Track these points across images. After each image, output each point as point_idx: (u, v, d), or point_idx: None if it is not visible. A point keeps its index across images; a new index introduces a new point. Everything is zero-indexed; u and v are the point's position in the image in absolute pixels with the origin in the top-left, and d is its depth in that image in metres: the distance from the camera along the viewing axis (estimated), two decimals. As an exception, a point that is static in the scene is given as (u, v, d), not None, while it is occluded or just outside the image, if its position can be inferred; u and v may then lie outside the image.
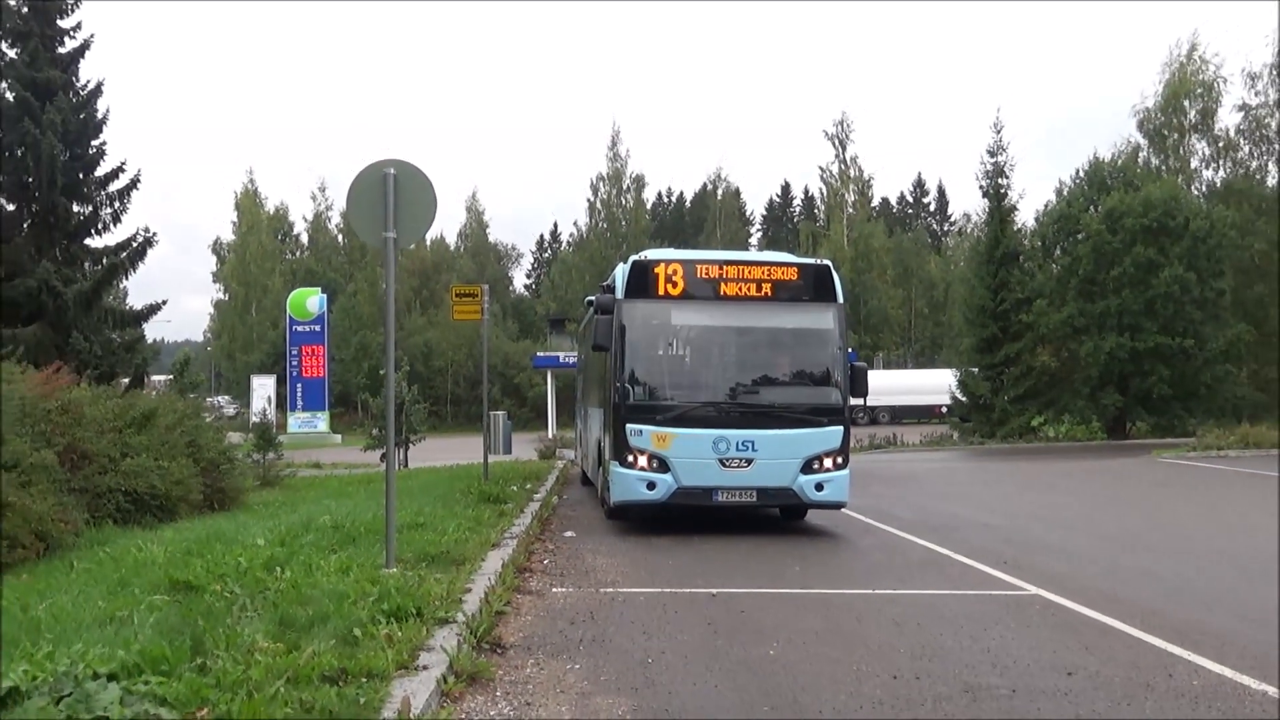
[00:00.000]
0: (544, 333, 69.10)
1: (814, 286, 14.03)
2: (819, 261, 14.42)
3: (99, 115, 28.78)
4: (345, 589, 8.14)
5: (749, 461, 13.20)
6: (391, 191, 9.74)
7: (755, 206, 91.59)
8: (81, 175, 28.11)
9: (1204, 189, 48.33)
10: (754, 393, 13.81)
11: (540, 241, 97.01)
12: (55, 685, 5.51)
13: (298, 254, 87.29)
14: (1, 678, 5.46)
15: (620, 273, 14.33)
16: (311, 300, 54.13)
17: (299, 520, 12.93)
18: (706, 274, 13.86)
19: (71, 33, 28.64)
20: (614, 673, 7.02)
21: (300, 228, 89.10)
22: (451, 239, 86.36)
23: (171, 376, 31.70)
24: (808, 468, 13.36)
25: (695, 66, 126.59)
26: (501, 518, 14.15)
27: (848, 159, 77.83)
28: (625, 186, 78.00)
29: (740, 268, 13.95)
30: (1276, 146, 47.13)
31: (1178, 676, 6.98)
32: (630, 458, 13.43)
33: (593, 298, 17.99)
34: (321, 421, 52.11)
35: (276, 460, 25.32)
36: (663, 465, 13.28)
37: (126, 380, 25.56)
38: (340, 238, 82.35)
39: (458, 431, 55.93)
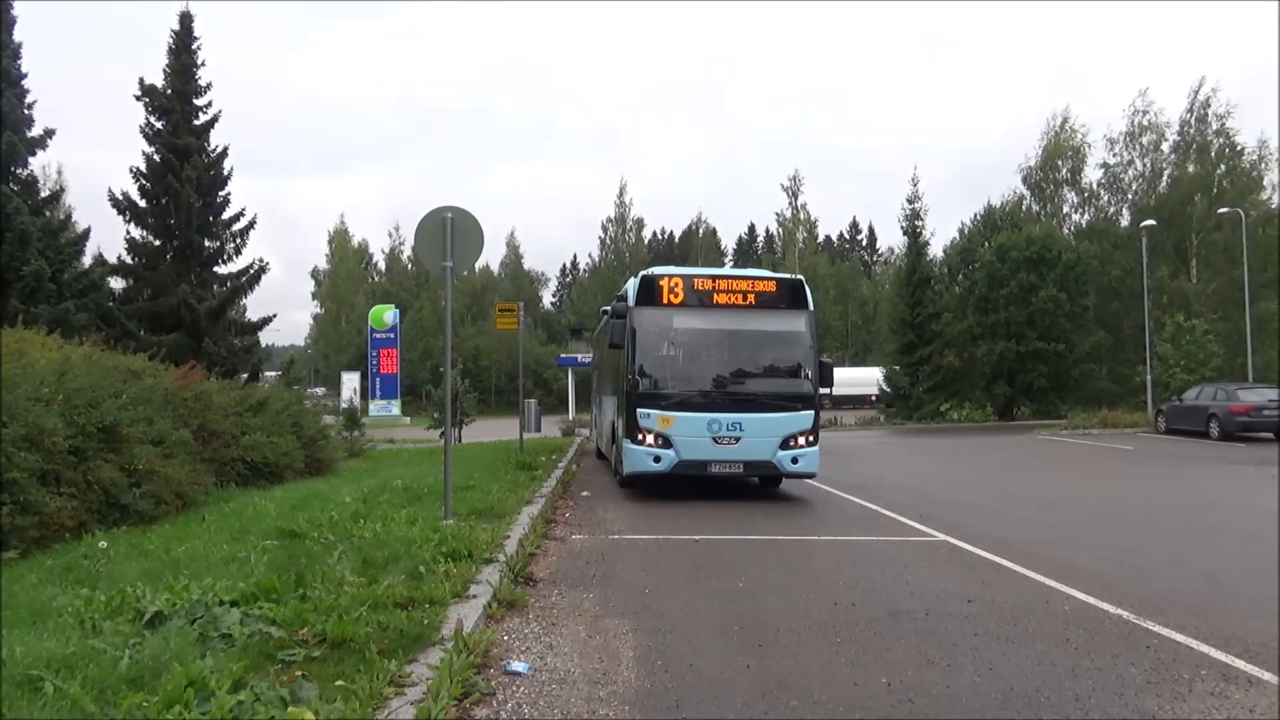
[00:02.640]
0: (566, 339, 68.88)
1: (789, 297, 13.63)
2: (794, 277, 14.10)
3: (225, 172, 28.94)
4: (413, 536, 8.13)
5: (737, 439, 12.78)
6: (449, 230, 9.83)
7: (728, 242, 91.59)
8: (211, 218, 28.28)
9: (1073, 229, 48.35)
10: (741, 383, 13.20)
11: (564, 269, 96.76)
12: (190, 610, 5.53)
13: (376, 278, 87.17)
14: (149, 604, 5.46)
15: (632, 285, 13.87)
16: (387, 314, 54.06)
17: (378, 483, 12.93)
18: (702, 286, 13.48)
19: (204, 109, 28.80)
20: (619, 600, 7.02)
21: (379, 258, 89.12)
22: (495, 267, 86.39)
23: (280, 373, 31.65)
24: (785, 444, 12.93)
25: (685, 136, 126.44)
26: (533, 481, 14.16)
27: (799, 206, 77.59)
28: (628, 227, 78.16)
29: (729, 281, 13.64)
30: (1128, 196, 47.14)
31: (1053, 603, 6.97)
32: (640, 436, 12.93)
33: (608, 307, 17.46)
34: (395, 407, 51.98)
35: (360, 437, 25.34)
36: (666, 442, 12.81)
37: (245, 376, 25.62)
38: (409, 265, 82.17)
39: (500, 415, 55.89)
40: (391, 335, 53.41)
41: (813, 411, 13.26)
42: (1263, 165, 45.30)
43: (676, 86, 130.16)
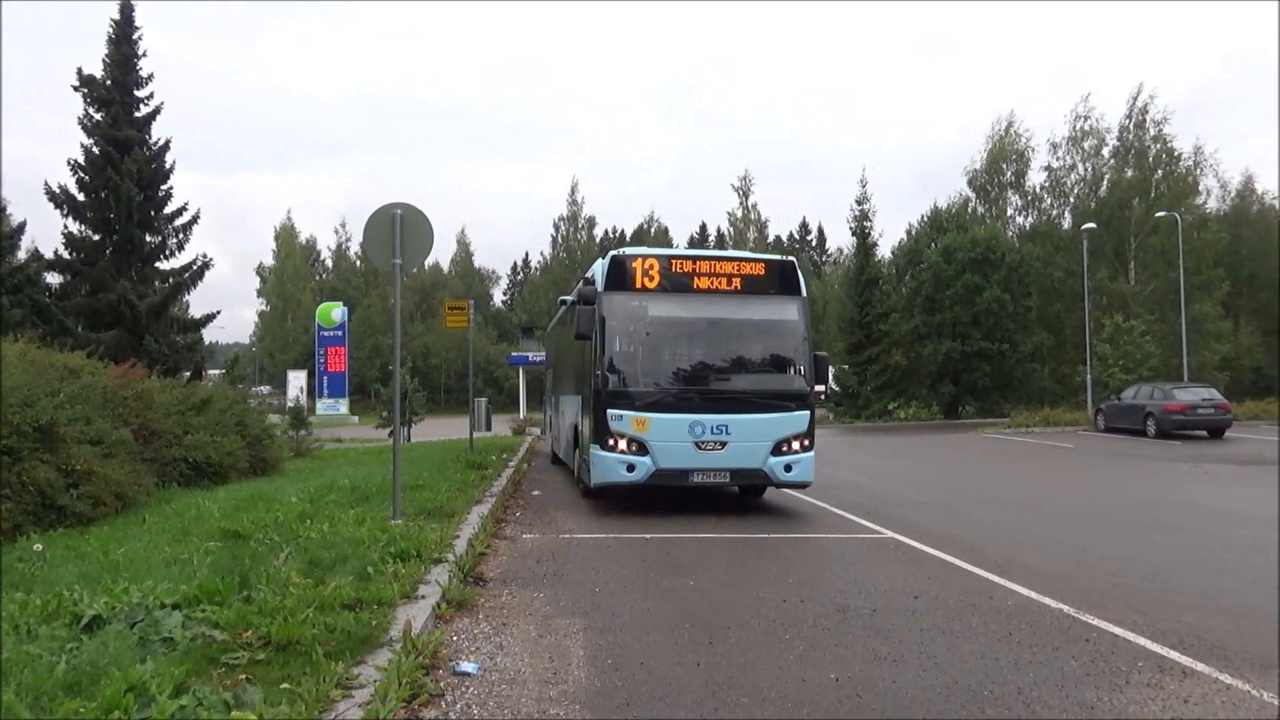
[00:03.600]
0: (517, 338, 68.62)
1: (779, 281, 11.99)
2: (784, 258, 12.35)
3: (168, 166, 28.41)
4: (361, 536, 8.05)
5: (723, 444, 11.19)
6: (398, 227, 9.74)
7: (680, 241, 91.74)
8: (152, 213, 27.72)
9: (1016, 231, 49.30)
10: (727, 379, 11.64)
11: (514, 267, 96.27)
12: (130, 613, 5.40)
13: (324, 275, 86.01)
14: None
15: (600, 267, 12.04)
16: (335, 311, 53.44)
17: (324, 483, 12.76)
18: (680, 269, 11.71)
19: (145, 101, 28.21)
20: (570, 599, 7.00)
21: (326, 255, 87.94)
22: (445, 264, 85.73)
23: (224, 371, 31.09)
24: (777, 450, 11.41)
25: (638, 135, 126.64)
26: (483, 480, 14.07)
27: (749, 206, 78.12)
28: (580, 225, 78.05)
29: (711, 263, 11.84)
30: (1070, 199, 48.19)
31: (996, 598, 7.10)
32: (610, 441, 11.23)
33: (567, 297, 16.16)
34: (342, 406, 51.38)
35: (306, 436, 25.00)
36: (641, 448, 11.15)
37: (188, 374, 25.14)
38: (358, 263, 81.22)
39: (450, 414, 55.49)
40: (339, 333, 52.77)
41: (808, 412, 11.76)
42: (1198, 170, 46.69)
43: (632, 86, 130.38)
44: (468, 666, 5.19)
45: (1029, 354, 42.91)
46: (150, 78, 28.30)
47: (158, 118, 28.36)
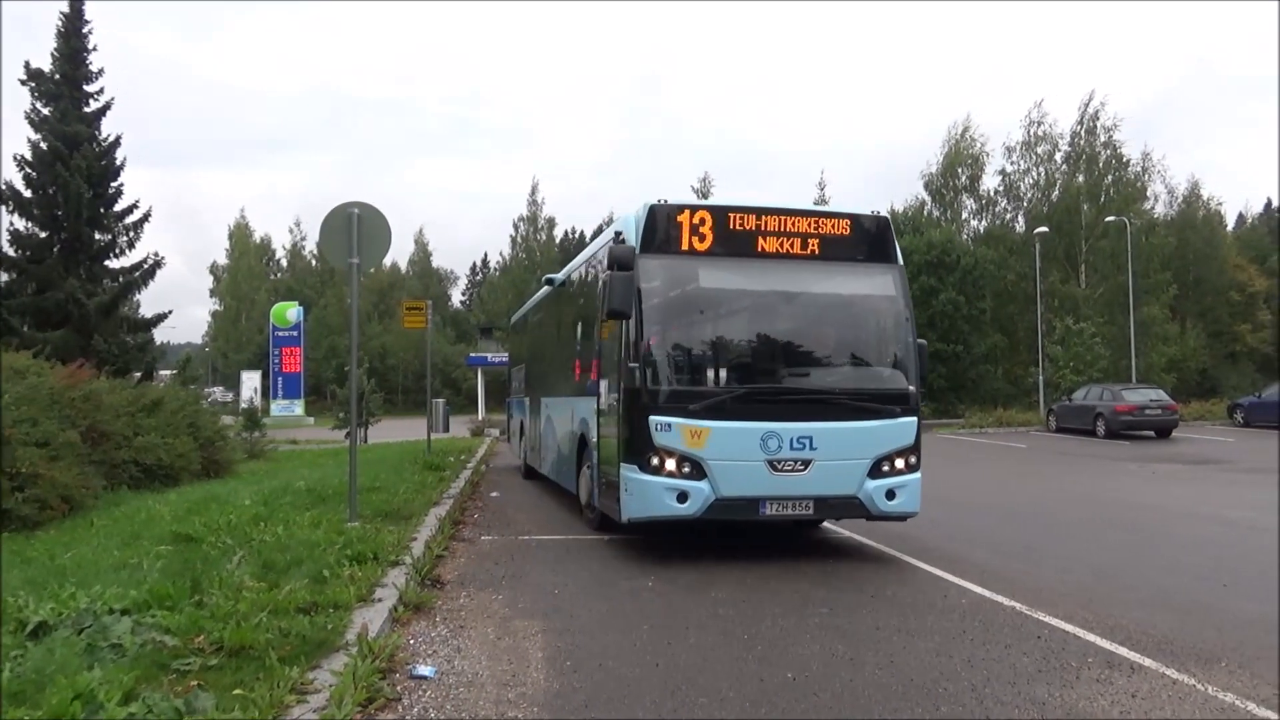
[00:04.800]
0: (475, 338, 68.25)
1: (871, 243, 9.12)
2: (876, 214, 9.27)
3: (118, 162, 27.85)
4: (316, 539, 7.96)
5: (806, 464, 8.25)
6: (356, 226, 9.68)
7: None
8: (102, 210, 27.13)
9: (971, 235, 50.03)
10: (808, 375, 8.92)
11: (473, 267, 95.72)
12: (77, 620, 5.29)
13: (279, 274, 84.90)
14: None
15: (633, 222, 8.87)
16: (290, 311, 52.78)
17: (279, 485, 12.58)
18: (742, 225, 8.70)
19: (95, 95, 27.66)
20: (529, 601, 6.98)
21: (281, 253, 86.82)
22: (403, 264, 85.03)
23: (176, 371, 30.59)
24: (877, 470, 8.48)
25: (599, 136, 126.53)
26: (441, 482, 13.98)
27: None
28: (540, 226, 77.77)
29: (781, 219, 8.80)
30: (1024, 203, 49.03)
31: (951, 596, 7.20)
32: (653, 460, 8.18)
33: (555, 275, 13.84)
34: (298, 407, 50.75)
35: (261, 438, 24.61)
36: (696, 469, 8.17)
37: (139, 374, 24.67)
38: (314, 262, 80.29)
39: (408, 415, 54.95)
40: (295, 333, 52.15)
41: (915, 418, 8.80)
42: (1146, 176, 47.73)
43: (593, 86, 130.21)
44: (425, 670, 5.15)
45: (983, 355, 43.61)
46: (100, 72, 27.73)
47: (108, 113, 27.75)
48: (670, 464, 8.22)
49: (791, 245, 8.82)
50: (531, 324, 16.66)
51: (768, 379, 8.76)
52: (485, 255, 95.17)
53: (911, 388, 8.86)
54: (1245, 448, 23.70)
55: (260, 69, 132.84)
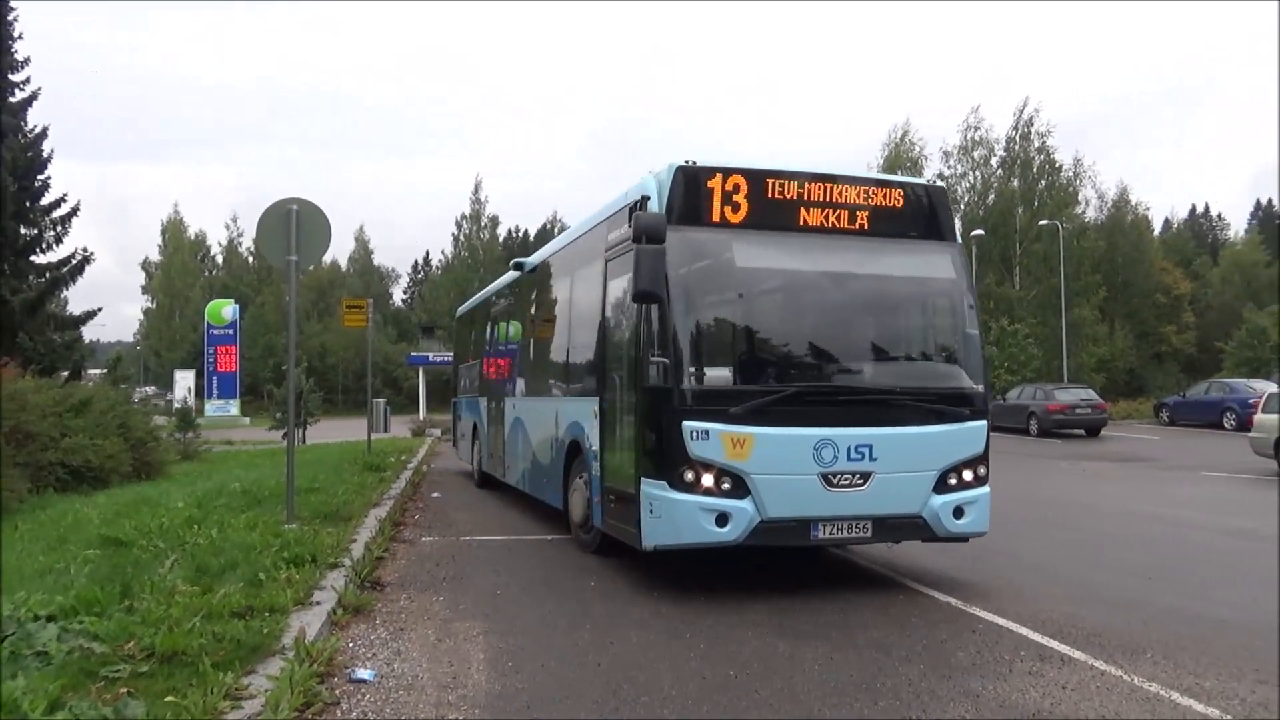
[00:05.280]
0: (417, 337, 67.57)
1: (928, 218, 7.78)
2: (931, 183, 8.08)
3: (45, 154, 27.07)
4: (252, 542, 7.80)
5: (865, 477, 6.96)
6: (294, 223, 9.52)
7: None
8: (28, 204, 26.32)
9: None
10: (867, 372, 7.59)
11: (415, 265, 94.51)
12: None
13: (214, 271, 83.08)
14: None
15: (654, 186, 7.36)
16: (226, 309, 51.78)
17: (214, 487, 12.31)
18: (782, 193, 7.30)
19: (21, 85, 26.80)
20: (470, 602, 6.93)
21: (216, 250, 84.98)
22: (343, 262, 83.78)
23: (106, 370, 29.76)
24: (943, 484, 7.21)
25: (540, 135, 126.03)
26: (381, 483, 13.82)
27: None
28: (483, 224, 77.31)
29: (828, 187, 7.42)
30: (961, 207, 50.02)
31: (889, 593, 7.31)
32: (689, 475, 6.72)
33: (523, 259, 12.40)
34: (233, 407, 49.75)
35: (195, 439, 24.07)
36: (738, 486, 6.75)
37: (66, 373, 23.99)
38: (251, 259, 78.71)
39: (347, 415, 54.21)
40: (230, 331, 51.16)
41: (984, 422, 7.59)
42: (1078, 181, 49.03)
43: (537, 84, 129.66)
44: (364, 673, 5.09)
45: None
46: (27, 61, 26.90)
47: (35, 103, 26.97)
48: (707, 479, 6.71)
49: (839, 218, 7.43)
50: (494, 315, 14.51)
51: (819, 376, 7.29)
52: (427, 253, 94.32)
53: (979, 386, 7.63)
54: (1171, 446, 24.49)
55: (196, 61, 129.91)
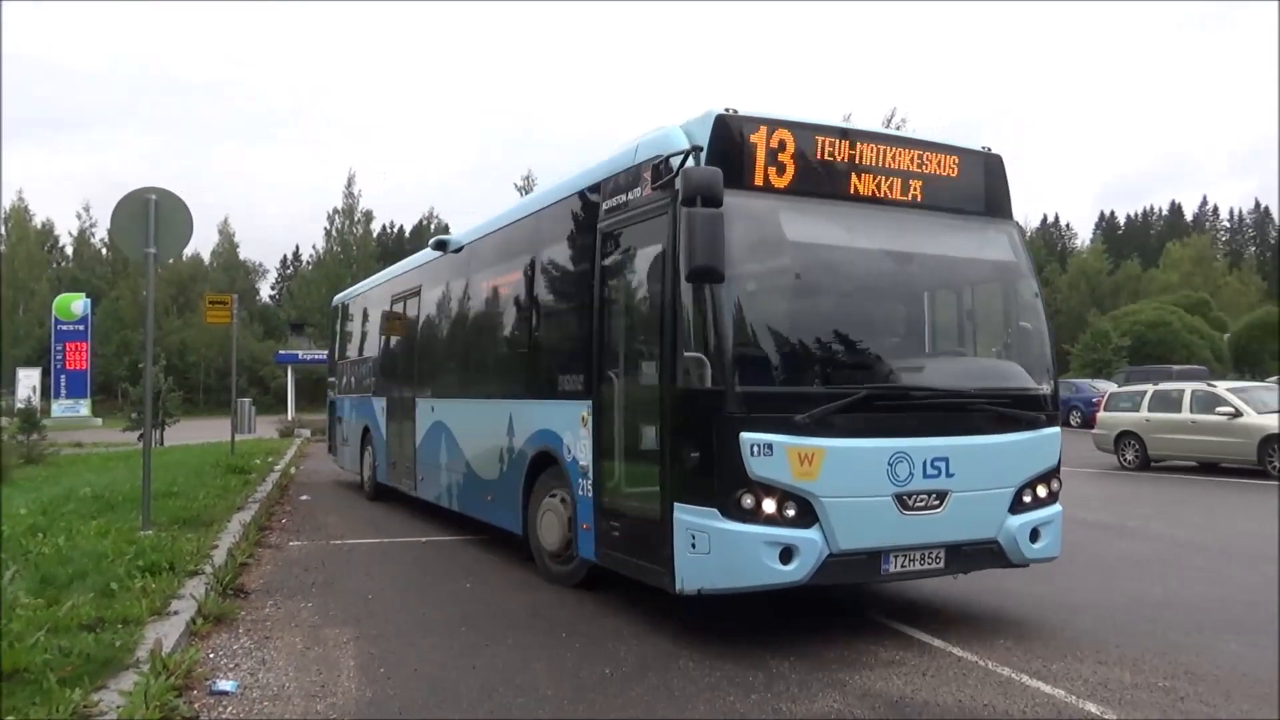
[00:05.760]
0: (286, 335, 65.36)
1: (988, 191, 6.72)
2: (987, 150, 6.82)
3: None
4: (104, 549, 7.38)
5: (941, 497, 5.85)
6: (153, 214, 9.07)
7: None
8: None
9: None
10: (938, 370, 6.51)
11: (284, 260, 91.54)
12: None
13: (63, 263, 78.32)
14: None
15: (684, 138, 5.96)
16: (76, 304, 48.81)
17: (60, 492, 11.61)
18: (832, 154, 6.10)
19: None
20: (341, 607, 6.75)
21: (66, 241, 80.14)
22: (206, 255, 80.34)
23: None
24: (1018, 502, 6.17)
25: (416, 129, 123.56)
26: (246, 486, 13.31)
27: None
28: (356, 219, 75.45)
29: (881, 149, 6.25)
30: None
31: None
32: (748, 500, 5.41)
33: (446, 237, 10.84)
34: (83, 407, 46.97)
35: (40, 440, 22.57)
36: (805, 512, 5.50)
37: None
38: (104, 251, 74.55)
39: (210, 415, 51.96)
40: (81, 327, 48.28)
41: (1058, 429, 6.57)
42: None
43: (415, 77, 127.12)
44: (226, 685, 4.89)
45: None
46: None
47: None
48: (769, 505, 5.41)
49: (890, 187, 6.28)
50: (398, 303, 12.43)
51: (889, 376, 6.09)
52: (297, 248, 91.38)
53: (1050, 387, 6.62)
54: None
55: (40, 38, 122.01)
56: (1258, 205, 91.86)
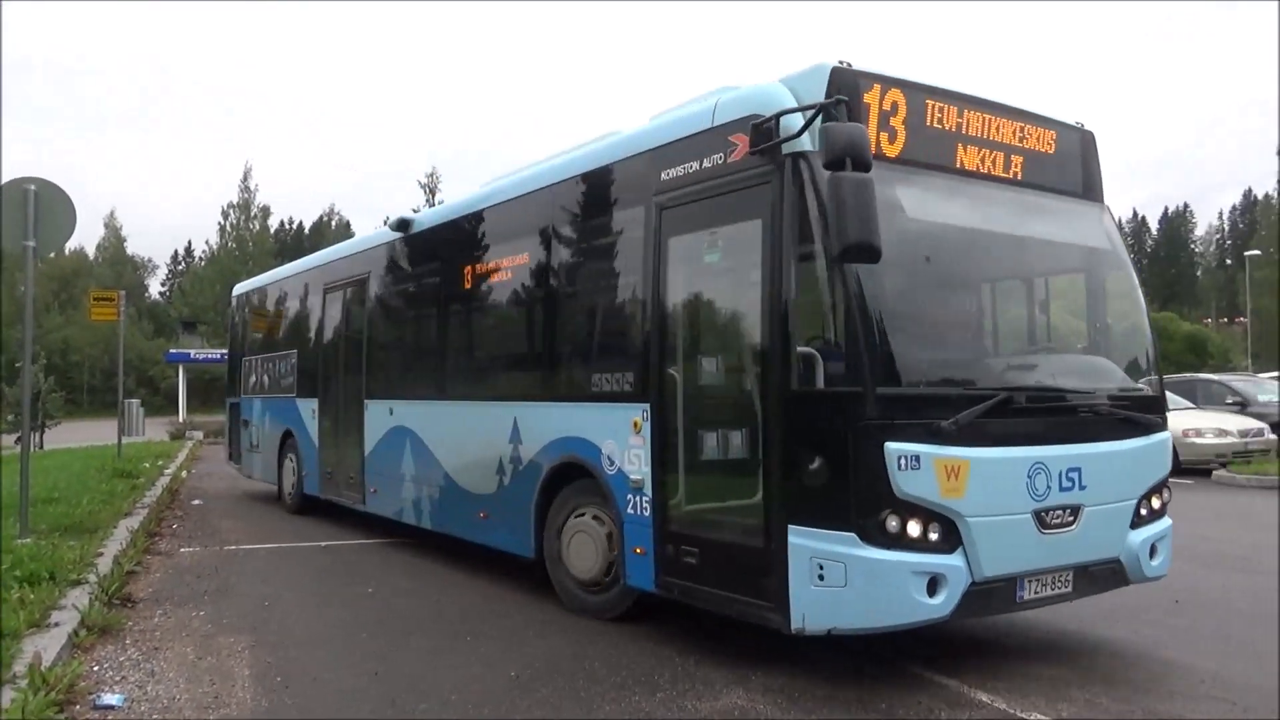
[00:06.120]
0: (177, 333, 63.04)
1: (1082, 170, 6.15)
2: (1080, 126, 6.22)
3: None
4: (-24, 560, 6.98)
5: (1075, 512, 5.20)
6: (32, 205, 8.67)
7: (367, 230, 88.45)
8: None
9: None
10: (1062, 370, 5.89)
11: (175, 255, 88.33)
12: None
13: (-69, 257, 74.11)
14: None
15: (786, 94, 5.14)
16: (-56, 300, 46.23)
17: (-71, 499, 10.94)
18: (941, 122, 5.41)
19: None
20: (236, 615, 6.54)
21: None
22: (91, 250, 77.04)
23: None
24: (1136, 515, 5.59)
25: (319, 122, 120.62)
26: (134, 490, 12.80)
27: (436, 202, 77.26)
28: (253, 214, 73.33)
29: (987, 119, 5.60)
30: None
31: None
32: (893, 523, 4.63)
33: (409, 216, 9.41)
34: (-47, 409, 44.47)
35: (-97, 445, 21.29)
36: (948, 534, 4.75)
37: None
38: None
39: (94, 417, 49.73)
40: (-48, 324, 45.62)
41: (1169, 433, 5.98)
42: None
43: (311, 69, 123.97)
44: (111, 699, 4.68)
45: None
46: None
47: None
48: (914, 528, 4.68)
49: (994, 162, 5.62)
50: (334, 292, 11.01)
51: (1022, 376, 5.57)
52: (189, 243, 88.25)
53: (1160, 388, 6.13)
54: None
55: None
56: (1135, 214, 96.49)
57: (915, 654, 5.45)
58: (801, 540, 4.76)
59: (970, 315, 5.86)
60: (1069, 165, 6.05)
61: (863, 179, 4.53)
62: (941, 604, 4.67)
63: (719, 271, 5.64)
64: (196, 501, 13.11)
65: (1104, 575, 5.43)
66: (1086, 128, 6.23)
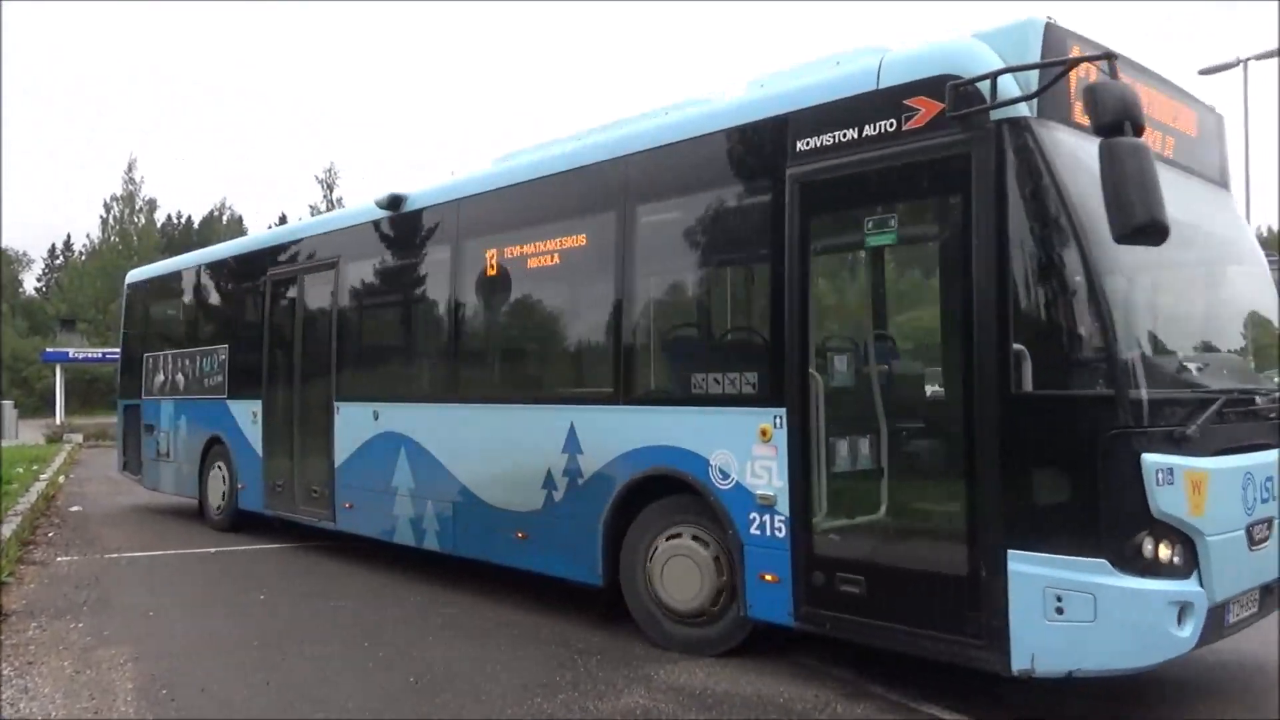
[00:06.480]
0: (54, 331, 60.00)
1: (1219, 156, 5.72)
2: (1213, 109, 5.73)
3: None
4: None
5: (1270, 526, 4.71)
6: (-110, 194, 8.02)
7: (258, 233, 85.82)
8: None
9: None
10: (1247, 368, 5.42)
11: (52, 249, 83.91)
12: None
13: None
14: None
15: (987, 53, 4.47)
16: None
17: None
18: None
19: None
20: (117, 626, 6.26)
21: None
22: (-42, 243, 72.61)
23: None
24: None
25: (206, 111, 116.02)
26: (7, 497, 12.08)
27: (335, 200, 75.31)
28: (139, 207, 70.11)
29: (1151, 94, 4.95)
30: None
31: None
32: (1148, 546, 4.08)
33: (401, 194, 8.02)
34: None
35: None
36: (1189, 558, 4.20)
37: None
38: None
39: (-38, 419, 46.98)
40: None
41: None
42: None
43: (203, 59, 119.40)
44: (-20, 717, 4.42)
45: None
46: None
47: None
48: (1164, 551, 4.15)
49: (1153, 140, 4.81)
50: (305, 279, 9.41)
51: (1228, 375, 5.01)
52: (68, 237, 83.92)
53: None
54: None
55: None
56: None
57: (813, 649, 5.55)
58: (1028, 567, 4.15)
59: (1192, 308, 5.36)
60: (1211, 150, 5.60)
61: (1143, 145, 3.94)
62: (1189, 636, 4.12)
63: (893, 256, 5.05)
64: (76, 508, 12.49)
65: (1277, 594, 4.87)
66: (1217, 110, 5.71)
